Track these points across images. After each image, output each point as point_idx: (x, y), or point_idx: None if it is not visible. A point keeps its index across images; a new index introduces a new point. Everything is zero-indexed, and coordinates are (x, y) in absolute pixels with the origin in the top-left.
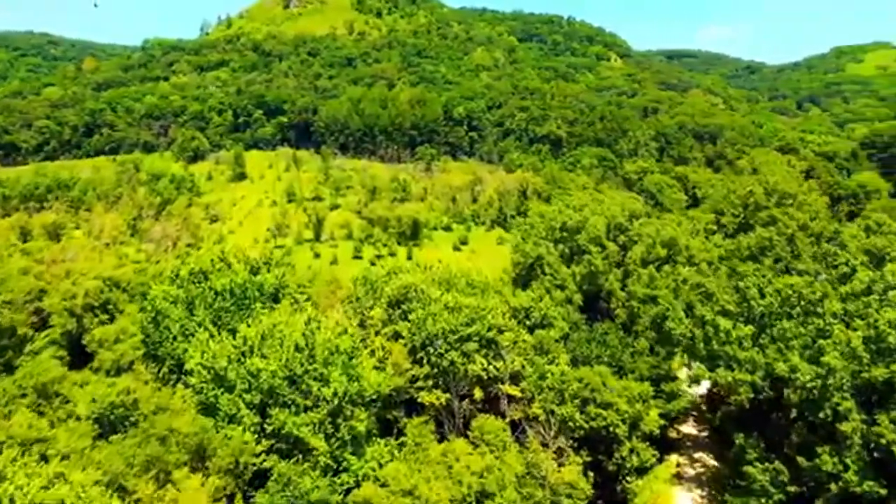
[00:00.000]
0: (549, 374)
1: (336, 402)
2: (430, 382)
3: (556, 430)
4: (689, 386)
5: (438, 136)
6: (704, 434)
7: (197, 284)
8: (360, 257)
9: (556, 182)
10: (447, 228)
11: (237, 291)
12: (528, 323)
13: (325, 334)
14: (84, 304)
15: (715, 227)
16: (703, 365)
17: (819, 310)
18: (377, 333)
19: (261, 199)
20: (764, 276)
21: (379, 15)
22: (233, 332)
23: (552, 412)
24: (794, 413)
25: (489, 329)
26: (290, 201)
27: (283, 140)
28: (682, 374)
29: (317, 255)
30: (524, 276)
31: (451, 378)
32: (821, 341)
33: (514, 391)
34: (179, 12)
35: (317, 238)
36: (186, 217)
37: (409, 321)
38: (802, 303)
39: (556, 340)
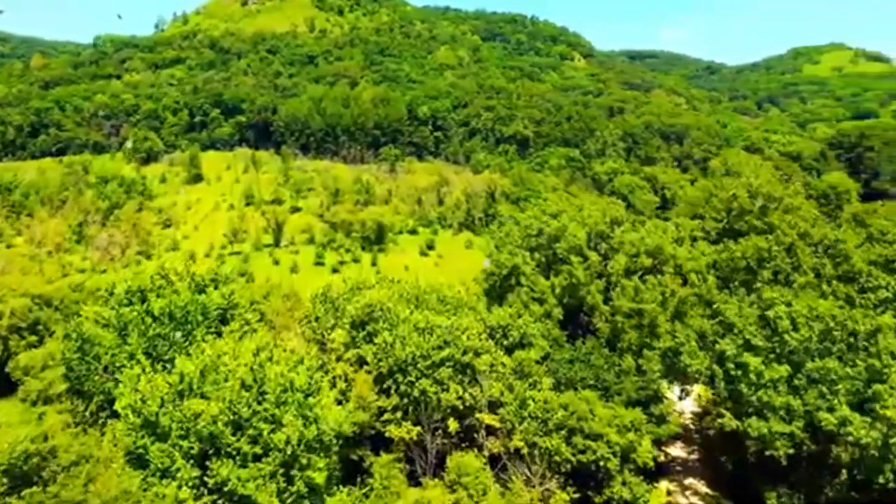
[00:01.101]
0: (530, 401)
1: (289, 450)
2: (400, 414)
3: (542, 468)
4: (680, 397)
5: (403, 135)
6: (695, 457)
7: (132, 306)
8: (321, 264)
9: (525, 183)
10: (413, 232)
11: (178, 315)
12: (505, 343)
13: (278, 367)
14: (9, 324)
15: (700, 234)
16: (728, 412)
17: (871, 347)
18: (339, 359)
19: (217, 203)
20: (788, 304)
21: (340, 13)
22: (170, 364)
23: (535, 444)
24: (844, 475)
25: (464, 352)
26: (248, 204)
27: (241, 140)
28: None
29: (276, 262)
30: (499, 288)
31: (422, 409)
32: (876, 386)
33: (492, 421)
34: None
35: (276, 243)
36: (136, 222)
37: (374, 344)
38: (847, 336)
39: (537, 362)
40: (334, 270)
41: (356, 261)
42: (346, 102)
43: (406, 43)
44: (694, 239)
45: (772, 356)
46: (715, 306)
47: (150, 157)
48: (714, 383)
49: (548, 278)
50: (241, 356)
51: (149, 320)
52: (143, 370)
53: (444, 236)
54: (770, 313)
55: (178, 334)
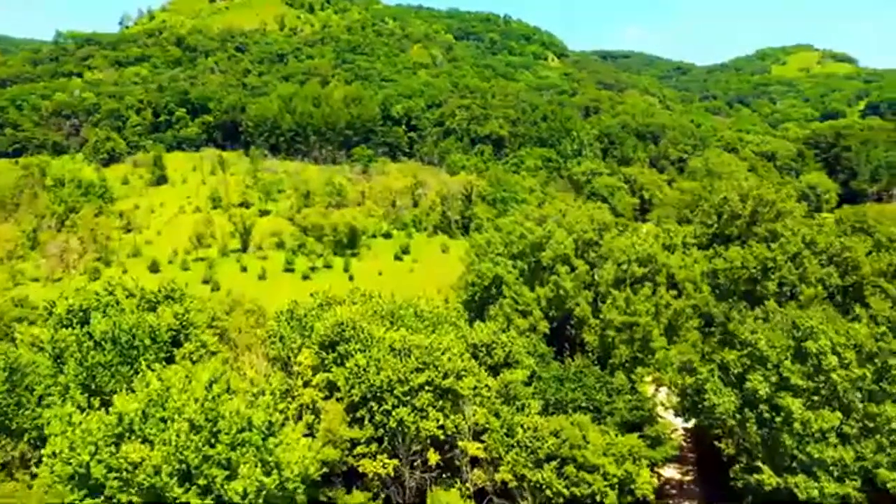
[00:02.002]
0: (518, 428)
1: (247, 502)
2: (375, 447)
3: None
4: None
5: (376, 135)
6: (689, 478)
7: (71, 329)
8: (291, 270)
9: (502, 185)
10: (387, 235)
11: (122, 339)
12: (489, 362)
13: (235, 403)
14: None
15: (692, 240)
16: (764, 465)
17: None
18: (306, 384)
19: (182, 205)
20: (822, 330)
21: (311, 10)
22: (110, 396)
23: (524, 477)
24: None
25: (445, 375)
26: (215, 207)
27: (208, 140)
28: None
29: (244, 269)
30: (480, 300)
31: (399, 440)
32: None
33: (477, 451)
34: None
35: (244, 248)
36: (94, 227)
37: (346, 368)
38: None
39: (524, 383)
40: (305, 277)
41: (328, 266)
42: (317, 101)
43: (378, 41)
44: (685, 245)
45: (815, 398)
46: (740, 334)
47: (111, 159)
48: (743, 427)
49: (532, 289)
50: (193, 389)
51: (88, 345)
52: (79, 407)
53: (419, 240)
54: (811, 346)
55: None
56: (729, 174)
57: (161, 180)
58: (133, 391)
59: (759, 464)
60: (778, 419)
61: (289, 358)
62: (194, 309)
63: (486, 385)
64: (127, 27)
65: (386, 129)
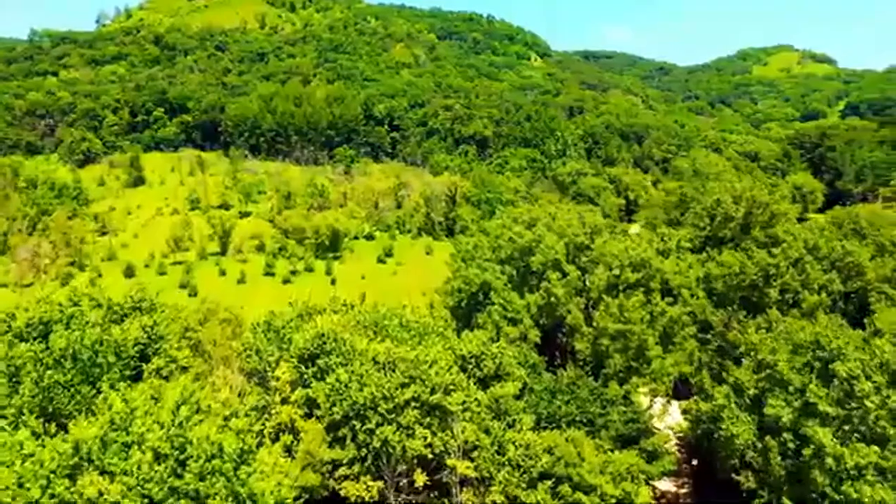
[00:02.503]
0: (510, 446)
1: None
2: (357, 468)
3: None
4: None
5: (358, 136)
6: (685, 490)
7: (29, 343)
8: (272, 274)
9: (486, 186)
10: (370, 237)
11: (84, 355)
12: (478, 374)
13: (205, 427)
14: None
15: (686, 244)
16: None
17: None
18: (284, 401)
19: (160, 207)
20: (845, 342)
21: (292, 8)
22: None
23: (517, 498)
24: None
25: (432, 390)
26: (193, 209)
27: (186, 141)
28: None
29: (223, 273)
30: (467, 307)
31: (384, 461)
32: None
33: (467, 470)
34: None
35: (223, 251)
36: (66, 230)
37: (326, 383)
38: None
39: (516, 396)
40: (285, 281)
41: (309, 270)
42: (298, 101)
43: (360, 40)
44: (679, 249)
45: (846, 427)
46: (747, 347)
47: (87, 159)
48: (765, 459)
49: (522, 295)
50: (158, 414)
51: (47, 362)
52: (34, 433)
53: (402, 242)
54: (839, 369)
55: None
56: (716, 175)
57: (138, 181)
58: (94, 414)
59: (786, 501)
60: (806, 451)
61: (266, 372)
62: (165, 320)
63: (476, 399)
64: (104, 25)
65: (368, 129)
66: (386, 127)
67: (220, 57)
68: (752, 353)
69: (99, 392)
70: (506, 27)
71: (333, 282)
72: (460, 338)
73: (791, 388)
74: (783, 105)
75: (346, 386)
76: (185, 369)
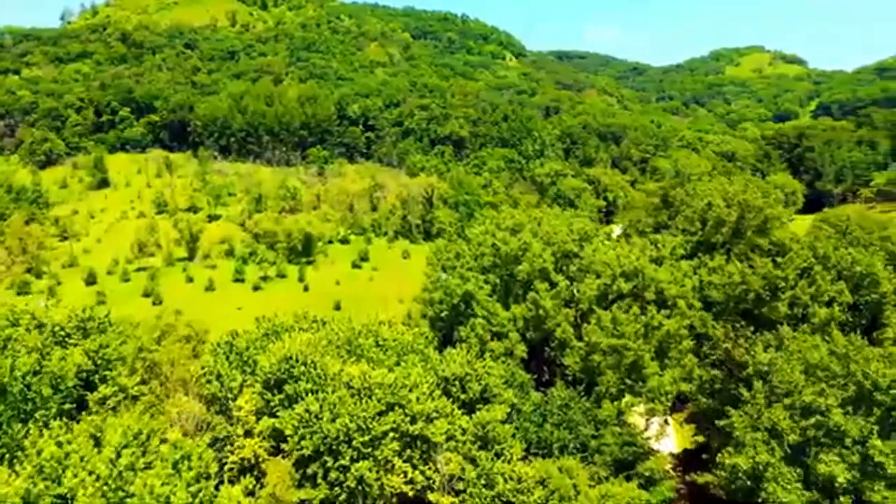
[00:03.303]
0: (499, 479)
1: None
2: None
3: None
4: (646, 430)
5: (332, 136)
6: None
7: None
8: (242, 280)
9: (464, 187)
10: (344, 241)
11: (15, 389)
12: (463, 398)
13: (149, 476)
14: None
15: (680, 251)
16: None
17: None
18: (248, 433)
19: (125, 211)
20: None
21: (264, 6)
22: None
23: None
24: None
25: (413, 419)
26: (160, 212)
27: (154, 141)
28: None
29: (190, 280)
30: (448, 319)
31: (359, 501)
32: None
33: None
34: None
35: (190, 257)
36: (23, 236)
37: (295, 411)
38: None
39: (503, 421)
40: (256, 288)
41: (281, 276)
42: (269, 100)
43: (334, 39)
44: (673, 256)
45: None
46: (799, 398)
47: (49, 161)
48: None
49: (507, 307)
50: (95, 462)
51: None
52: None
53: (378, 245)
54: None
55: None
56: (698, 176)
57: (102, 184)
58: (20, 462)
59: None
60: None
61: (227, 399)
62: (116, 341)
63: (461, 427)
64: (69, 23)
65: (342, 129)
66: (360, 127)
67: (189, 55)
68: (767, 376)
69: (26, 437)
70: (480, 27)
71: (306, 288)
72: (442, 356)
73: (847, 441)
74: (756, 105)
75: (316, 417)
76: (135, 398)
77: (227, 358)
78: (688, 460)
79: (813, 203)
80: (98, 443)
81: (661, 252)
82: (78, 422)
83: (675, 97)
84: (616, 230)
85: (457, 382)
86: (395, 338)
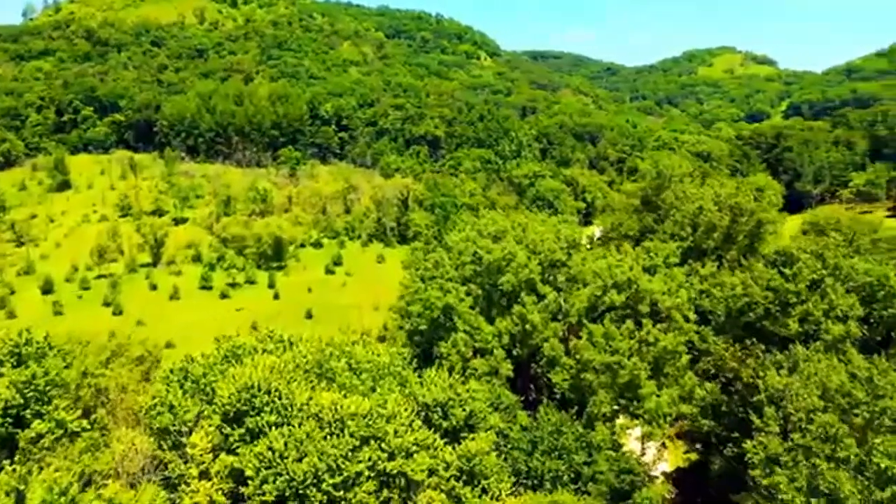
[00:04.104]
0: None
1: None
2: None
3: None
4: (643, 454)
5: (304, 136)
6: None
7: None
8: (209, 287)
9: (440, 189)
10: (317, 245)
11: None
12: (445, 425)
13: None
14: None
15: (676, 260)
16: None
17: None
18: (203, 474)
19: (87, 214)
20: None
21: (234, 4)
22: None
23: None
24: None
25: (391, 455)
26: (124, 216)
27: (118, 142)
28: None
29: (153, 287)
30: (428, 333)
31: None
32: None
33: None
34: None
35: (155, 263)
36: None
37: (257, 448)
38: None
39: (490, 450)
40: (223, 295)
41: (251, 282)
42: (239, 99)
43: (306, 37)
44: (667, 265)
45: None
46: (787, 406)
47: (7, 162)
48: None
49: (490, 320)
50: None
51: None
52: None
53: (352, 249)
54: None
55: None
56: (679, 177)
57: (63, 186)
58: None
59: None
60: None
61: (181, 434)
62: (58, 367)
63: (444, 461)
64: (31, 19)
65: (315, 129)
66: (333, 127)
67: (155, 53)
68: (781, 402)
69: None
70: (455, 26)
71: (277, 296)
72: (422, 378)
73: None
74: (728, 105)
75: (281, 457)
76: (75, 436)
77: (182, 386)
78: (683, 480)
79: (792, 204)
80: (21, 497)
81: (655, 261)
82: (1, 469)
83: (648, 97)
84: (596, 232)
85: (438, 409)
86: (370, 359)
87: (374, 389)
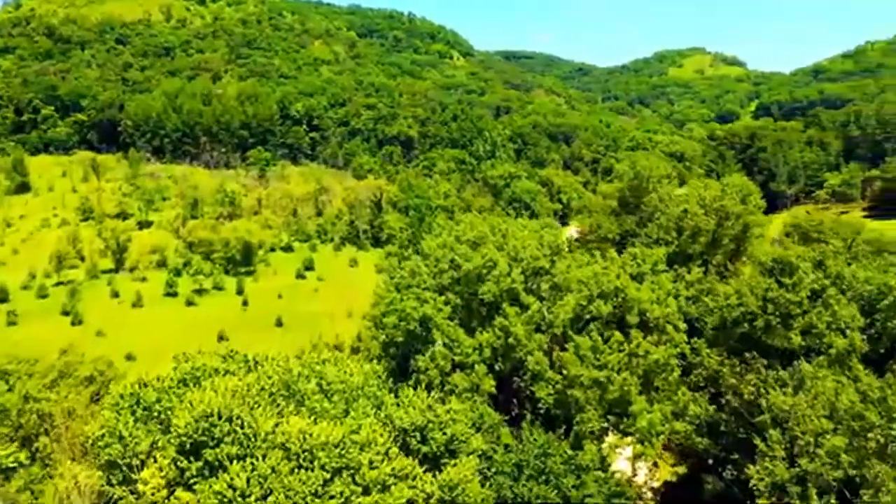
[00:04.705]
0: None
1: None
2: None
3: None
4: (634, 476)
5: (274, 136)
6: None
7: None
8: (174, 294)
9: (414, 190)
10: (287, 249)
11: None
12: (424, 450)
13: None
14: None
15: (664, 267)
16: None
17: None
18: None
19: (47, 218)
20: None
21: (202, 1)
22: None
23: None
24: None
25: (366, 489)
26: (86, 219)
27: (81, 142)
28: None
29: (115, 294)
30: (404, 346)
31: None
32: None
33: None
34: None
35: (117, 268)
36: None
37: (216, 485)
38: None
39: (473, 477)
40: (189, 303)
41: (218, 288)
42: (207, 99)
43: (276, 36)
44: (654, 272)
45: None
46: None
47: None
48: None
49: (469, 331)
50: None
51: None
52: None
53: (324, 253)
54: None
55: None
56: (657, 178)
57: (22, 188)
58: None
59: None
60: None
61: (132, 468)
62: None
63: (424, 493)
64: None
65: (285, 129)
66: (304, 127)
67: (120, 51)
68: (786, 423)
69: None
70: (427, 25)
71: (245, 303)
72: (399, 398)
73: None
74: (699, 106)
75: (242, 496)
76: (11, 471)
77: (133, 413)
78: (672, 496)
79: (768, 204)
80: None
81: (642, 268)
82: None
83: (620, 97)
84: (572, 232)
85: (417, 433)
86: (343, 379)
87: (347, 413)
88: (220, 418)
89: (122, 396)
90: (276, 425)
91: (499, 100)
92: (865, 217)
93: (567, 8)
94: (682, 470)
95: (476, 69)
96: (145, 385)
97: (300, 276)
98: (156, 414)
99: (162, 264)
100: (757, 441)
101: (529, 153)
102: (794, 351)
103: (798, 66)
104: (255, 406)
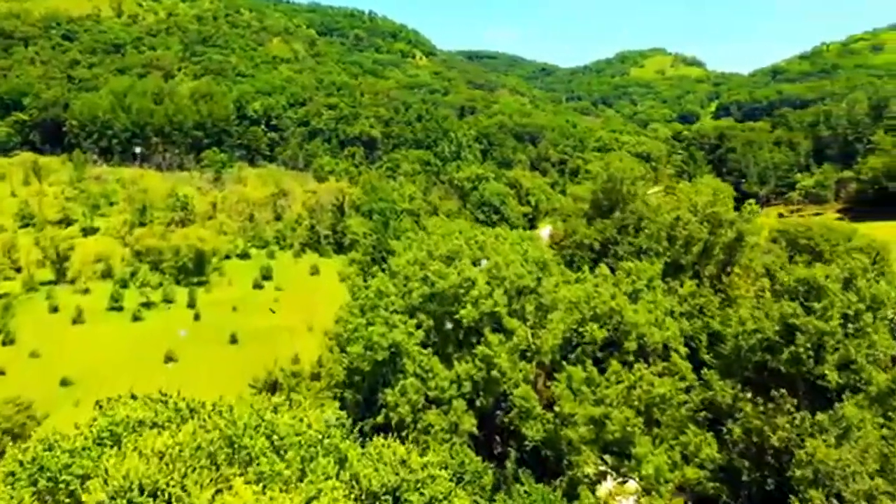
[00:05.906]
0: None
1: None
2: None
3: None
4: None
5: (230, 137)
6: None
7: None
8: (119, 308)
9: (377, 193)
10: (244, 256)
11: None
12: None
13: None
14: None
15: (660, 284)
16: None
17: None
18: None
19: None
20: None
21: None
22: None
23: None
24: None
25: None
26: (25, 226)
27: (22, 143)
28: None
29: (55, 309)
30: (369, 378)
31: None
32: None
33: None
34: None
35: (58, 280)
36: None
37: None
38: None
39: None
40: (136, 318)
41: (168, 301)
42: (158, 97)
43: (233, 33)
44: (650, 288)
45: None
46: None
47: None
48: None
49: (445, 359)
50: None
51: None
52: None
53: (283, 260)
54: None
55: None
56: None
57: None
58: None
59: None
60: None
61: None
62: None
63: None
64: None
65: (242, 129)
66: (262, 127)
67: (67, 47)
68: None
69: None
70: (389, 24)
71: (197, 317)
72: (365, 451)
73: None
74: (661, 106)
75: None
76: None
77: (35, 484)
78: None
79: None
80: None
81: (637, 284)
82: None
83: (584, 98)
84: (542, 233)
85: (389, 497)
86: (299, 430)
87: (303, 475)
88: (143, 493)
89: (20, 463)
90: (215, 496)
91: (463, 100)
92: (839, 220)
93: (528, 6)
94: None
95: (439, 69)
96: (51, 447)
97: (257, 285)
98: (62, 486)
99: (107, 275)
100: (793, 500)
101: (496, 154)
102: (825, 387)
103: (757, 67)
104: (190, 471)
